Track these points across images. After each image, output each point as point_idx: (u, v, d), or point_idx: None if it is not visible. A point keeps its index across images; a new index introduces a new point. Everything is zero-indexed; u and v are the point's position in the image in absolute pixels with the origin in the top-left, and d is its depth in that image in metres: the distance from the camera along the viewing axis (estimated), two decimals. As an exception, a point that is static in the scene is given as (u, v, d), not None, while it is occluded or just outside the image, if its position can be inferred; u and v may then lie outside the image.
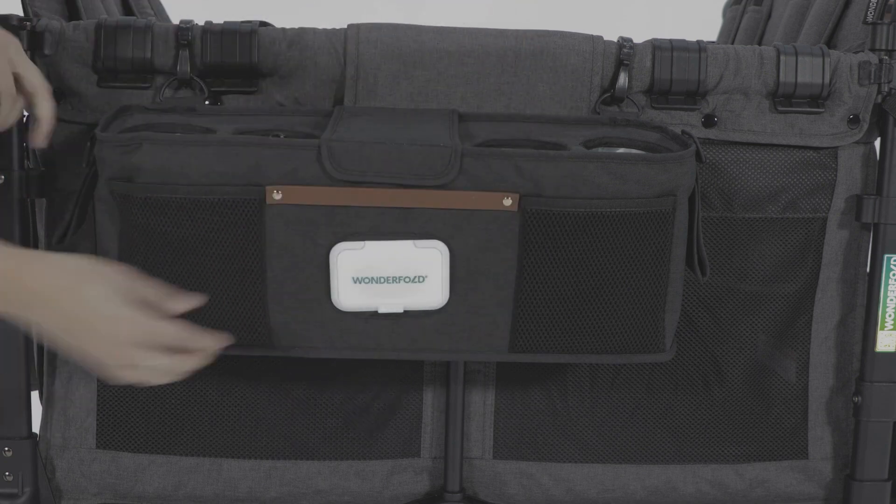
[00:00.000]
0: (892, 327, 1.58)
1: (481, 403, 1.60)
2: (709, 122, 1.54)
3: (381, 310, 1.37)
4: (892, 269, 1.57)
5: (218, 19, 1.52)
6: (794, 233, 1.58)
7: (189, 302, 1.28)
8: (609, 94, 1.52)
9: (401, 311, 1.38)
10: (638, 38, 1.54)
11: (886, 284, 1.57)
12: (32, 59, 1.45)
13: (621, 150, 1.42)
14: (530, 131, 1.45)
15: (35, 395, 1.60)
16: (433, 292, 1.37)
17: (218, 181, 1.34)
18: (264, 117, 1.46)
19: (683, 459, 1.62)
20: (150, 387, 1.54)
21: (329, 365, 1.53)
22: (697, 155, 1.40)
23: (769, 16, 2.03)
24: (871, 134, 1.57)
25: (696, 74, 1.51)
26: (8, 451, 1.54)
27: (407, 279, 1.36)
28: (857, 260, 1.61)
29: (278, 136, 1.40)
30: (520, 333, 1.40)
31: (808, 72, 1.52)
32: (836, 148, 1.56)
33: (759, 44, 2.02)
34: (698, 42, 1.53)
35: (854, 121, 1.55)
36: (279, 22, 1.56)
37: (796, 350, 1.62)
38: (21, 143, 1.48)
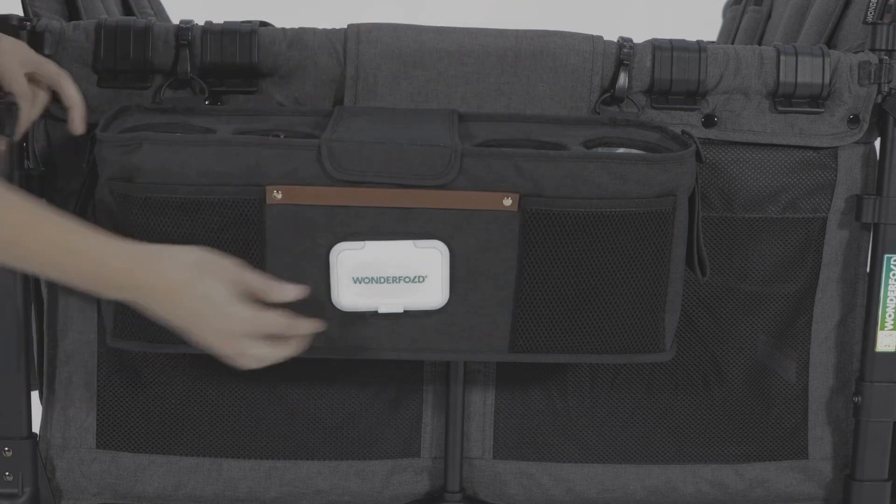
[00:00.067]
0: (892, 327, 1.58)
1: (481, 403, 1.60)
2: (709, 122, 1.54)
3: (381, 310, 1.37)
4: (892, 269, 1.57)
5: (218, 19, 1.52)
6: (794, 233, 1.58)
7: (291, 291, 1.30)
8: (609, 94, 1.52)
9: (401, 311, 1.38)
10: (638, 38, 1.54)
11: (886, 284, 1.57)
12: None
13: (621, 150, 1.42)
14: (530, 131, 1.45)
15: (35, 395, 1.60)
16: (433, 292, 1.37)
17: (218, 181, 1.34)
18: (264, 117, 1.46)
19: (683, 459, 1.62)
20: (150, 387, 1.56)
21: (329, 365, 1.53)
22: (697, 155, 1.40)
23: (769, 16, 2.03)
24: (871, 134, 1.57)
25: (696, 74, 1.51)
26: (8, 451, 1.54)
27: (407, 279, 1.36)
28: (857, 260, 1.61)
29: (278, 136, 1.40)
30: (520, 333, 1.40)
31: (808, 72, 1.52)
32: (836, 148, 1.56)
33: (759, 44, 2.01)
34: (698, 42, 1.53)
35: (854, 121, 1.55)
36: (279, 22, 1.56)
37: (796, 350, 1.62)
38: (21, 143, 1.48)
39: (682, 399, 1.61)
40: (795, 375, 1.63)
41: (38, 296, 1.57)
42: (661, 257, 1.39)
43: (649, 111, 1.53)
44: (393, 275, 1.36)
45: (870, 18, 1.56)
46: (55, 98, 1.43)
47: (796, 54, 1.53)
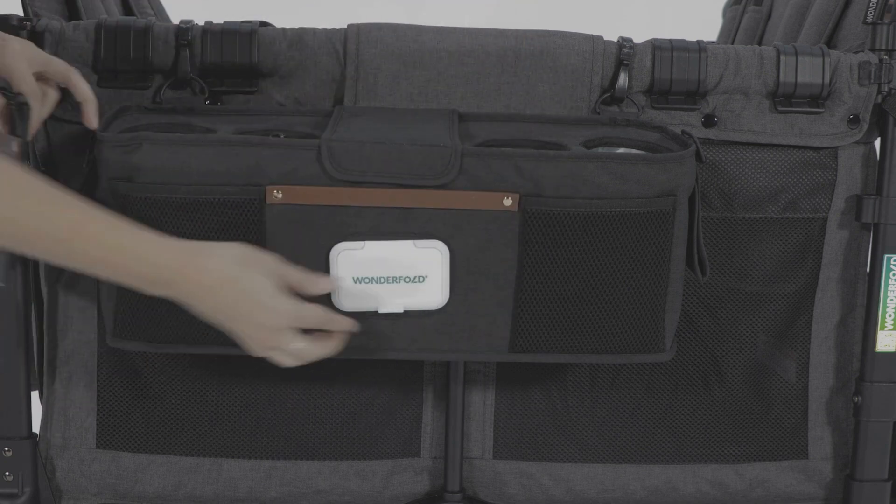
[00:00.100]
0: (892, 327, 1.58)
1: (481, 403, 1.60)
2: (709, 122, 1.54)
3: (381, 310, 1.37)
4: (892, 269, 1.57)
5: (218, 19, 1.52)
6: (794, 233, 1.58)
7: (327, 284, 1.31)
8: (609, 94, 1.52)
9: (401, 311, 1.38)
10: (638, 38, 1.54)
11: (886, 284, 1.57)
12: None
13: (621, 150, 1.42)
14: (530, 131, 1.45)
15: (35, 395, 1.60)
16: (433, 292, 1.37)
17: (218, 181, 1.34)
18: (264, 117, 1.46)
19: (683, 459, 1.62)
20: (151, 387, 1.56)
21: (329, 365, 1.52)
22: (697, 155, 1.40)
23: (769, 16, 2.03)
24: (871, 134, 1.57)
25: (696, 74, 1.51)
26: (8, 451, 1.54)
27: (407, 279, 1.36)
28: (857, 260, 1.61)
29: (278, 136, 1.40)
30: (520, 333, 1.40)
31: (808, 72, 1.52)
32: (836, 148, 1.56)
33: (759, 44, 2.01)
34: (698, 42, 1.53)
35: (854, 121, 1.55)
36: (279, 22, 1.56)
37: (796, 350, 1.62)
38: (30, 143, 1.48)
39: (682, 399, 1.62)
40: (795, 375, 1.63)
41: (38, 296, 1.57)
42: (661, 257, 1.39)
43: (649, 111, 1.53)
44: (393, 275, 1.36)
45: (870, 18, 1.56)
46: (64, 96, 1.43)
47: (796, 54, 1.53)
